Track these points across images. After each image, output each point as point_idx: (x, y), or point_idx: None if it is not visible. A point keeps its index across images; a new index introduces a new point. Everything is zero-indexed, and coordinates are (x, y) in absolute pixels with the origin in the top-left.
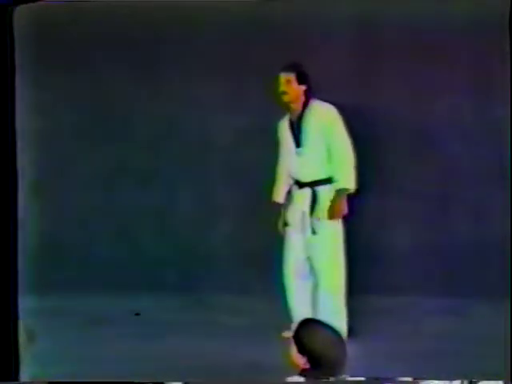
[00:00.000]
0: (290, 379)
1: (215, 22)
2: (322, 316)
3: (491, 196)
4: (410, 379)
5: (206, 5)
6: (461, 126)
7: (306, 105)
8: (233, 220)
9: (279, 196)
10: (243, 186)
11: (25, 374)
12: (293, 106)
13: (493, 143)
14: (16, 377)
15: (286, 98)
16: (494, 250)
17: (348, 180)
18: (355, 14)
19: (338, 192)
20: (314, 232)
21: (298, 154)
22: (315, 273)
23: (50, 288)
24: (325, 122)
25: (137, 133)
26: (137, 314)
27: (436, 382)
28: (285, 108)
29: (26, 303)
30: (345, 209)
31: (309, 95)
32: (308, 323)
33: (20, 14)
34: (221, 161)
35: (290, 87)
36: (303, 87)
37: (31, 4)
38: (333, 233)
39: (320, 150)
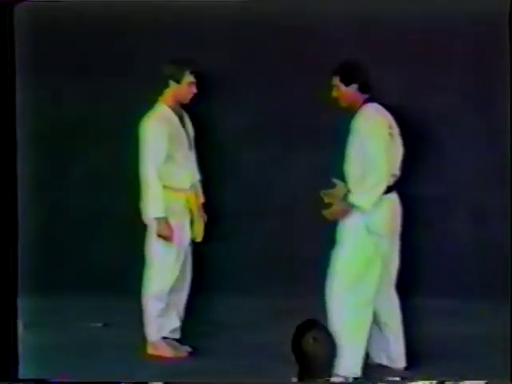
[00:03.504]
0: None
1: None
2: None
3: (492, 196)
4: (409, 379)
5: (207, 5)
6: (460, 125)
7: (360, 106)
8: None
9: None
10: None
11: None
12: (351, 109)
13: (493, 143)
14: (16, 376)
15: (341, 104)
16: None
17: (362, 198)
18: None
19: (348, 203)
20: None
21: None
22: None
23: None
24: (363, 132)
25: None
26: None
27: (435, 382)
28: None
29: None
30: (339, 216)
31: (362, 94)
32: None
33: (20, 13)
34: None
35: (338, 91)
36: (353, 86)
37: (31, 3)
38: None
39: (352, 159)
